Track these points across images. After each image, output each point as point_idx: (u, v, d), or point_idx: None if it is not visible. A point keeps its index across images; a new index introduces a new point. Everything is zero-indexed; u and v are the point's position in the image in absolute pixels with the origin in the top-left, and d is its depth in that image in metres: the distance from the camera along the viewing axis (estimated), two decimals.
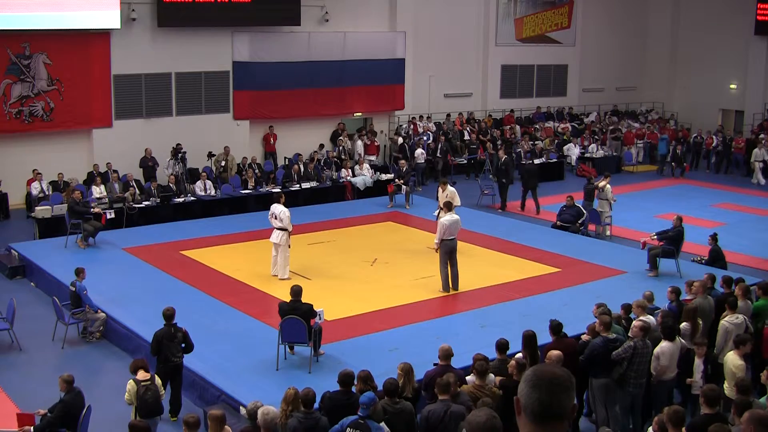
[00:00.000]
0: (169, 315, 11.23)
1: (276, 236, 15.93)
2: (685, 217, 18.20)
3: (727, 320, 11.44)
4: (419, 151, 27.12)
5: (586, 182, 22.27)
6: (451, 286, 15.64)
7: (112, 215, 18.95)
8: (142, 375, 10.03)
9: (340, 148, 27.27)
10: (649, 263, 16.94)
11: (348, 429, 8.28)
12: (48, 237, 19.13)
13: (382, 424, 8.47)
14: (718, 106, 36.59)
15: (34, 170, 22.01)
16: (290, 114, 27.18)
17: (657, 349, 10.50)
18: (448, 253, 15.48)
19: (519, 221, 21.73)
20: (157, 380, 10.28)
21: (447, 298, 15.44)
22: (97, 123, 23.84)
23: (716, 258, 17.11)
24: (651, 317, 11.47)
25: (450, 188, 18.40)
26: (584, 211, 20.58)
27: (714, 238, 17.15)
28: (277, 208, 15.92)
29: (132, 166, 22.77)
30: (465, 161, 29.02)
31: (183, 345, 11.26)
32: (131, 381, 10.03)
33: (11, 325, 13.68)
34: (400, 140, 28.15)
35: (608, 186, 20.86)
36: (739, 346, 10.27)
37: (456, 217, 15.66)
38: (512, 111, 33.64)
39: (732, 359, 10.18)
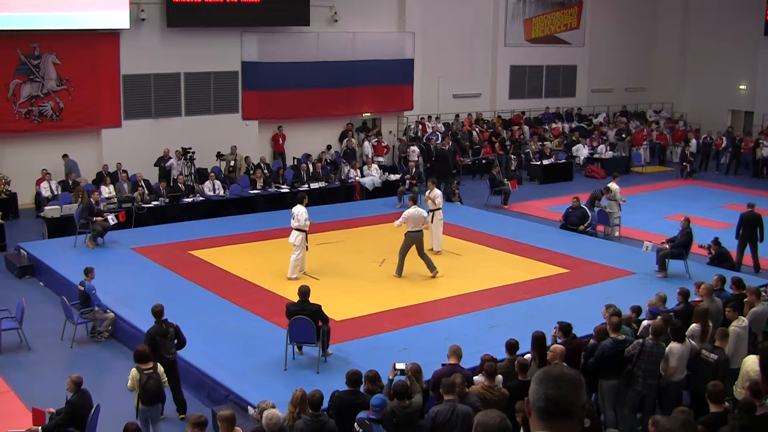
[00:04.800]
0: (158, 311, 11.28)
1: (291, 237, 16.19)
2: (693, 218, 18.15)
3: (735, 325, 11.35)
4: (412, 148, 27.16)
5: (601, 189, 21.77)
6: (429, 271, 16.45)
7: (115, 220, 18.94)
8: (144, 364, 10.17)
9: (348, 148, 27.29)
10: (658, 264, 16.89)
11: (356, 423, 8.45)
12: (57, 237, 19.18)
13: None
14: (728, 107, 36.48)
15: (43, 170, 22.08)
16: (299, 114, 27.20)
17: (666, 350, 10.46)
18: (413, 244, 16.38)
19: (527, 221, 21.69)
20: (160, 368, 10.39)
21: (455, 298, 15.41)
22: (106, 123, 23.91)
23: (723, 260, 17.05)
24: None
25: (436, 190, 18.50)
26: (589, 214, 20.47)
27: (716, 242, 17.16)
28: (297, 209, 16.16)
29: (141, 166, 22.78)
30: (470, 162, 28.98)
31: (176, 341, 11.29)
32: (134, 369, 10.18)
33: (20, 325, 13.71)
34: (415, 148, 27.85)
35: (616, 187, 20.79)
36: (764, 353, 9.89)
37: (421, 210, 16.60)
38: (523, 112, 33.59)
39: (752, 363, 9.88)
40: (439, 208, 18.29)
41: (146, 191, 21.60)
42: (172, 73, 24.87)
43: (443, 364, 9.99)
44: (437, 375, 9.79)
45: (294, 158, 26.75)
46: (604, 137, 31.92)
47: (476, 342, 12.23)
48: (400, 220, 16.59)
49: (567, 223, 20.48)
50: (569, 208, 20.70)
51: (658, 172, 30.62)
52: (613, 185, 20.86)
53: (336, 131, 28.34)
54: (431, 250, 18.05)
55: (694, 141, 30.73)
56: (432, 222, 17.99)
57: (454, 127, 30.57)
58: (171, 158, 23.72)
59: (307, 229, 16.16)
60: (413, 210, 16.40)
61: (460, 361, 9.88)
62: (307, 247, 16.24)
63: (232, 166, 24.64)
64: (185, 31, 24.65)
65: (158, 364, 10.42)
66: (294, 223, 16.10)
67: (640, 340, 10.40)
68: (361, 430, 8.40)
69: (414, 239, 16.37)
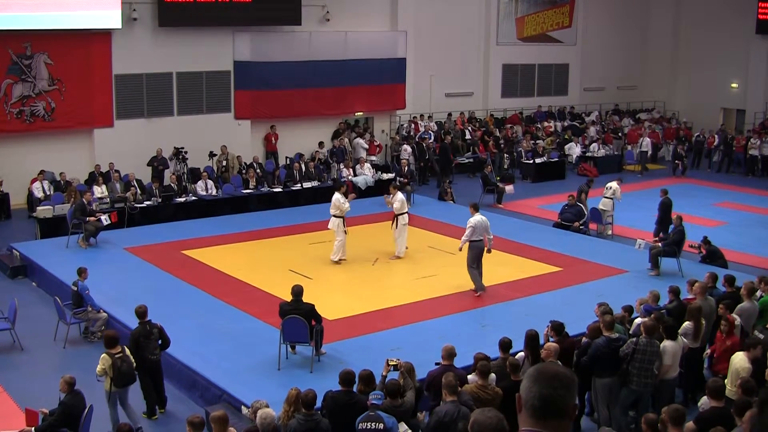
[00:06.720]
0: (141, 312, 11.34)
1: (330, 223, 17.24)
2: (686, 216, 18.18)
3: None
4: (404, 146, 27.19)
5: (586, 181, 22.25)
6: (474, 290, 15.40)
7: (108, 220, 18.87)
8: (114, 348, 10.46)
9: (337, 147, 27.29)
10: (651, 262, 16.93)
11: (360, 424, 8.37)
12: (49, 237, 19.14)
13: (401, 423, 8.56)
14: (720, 105, 36.58)
15: (40, 171, 21.96)
16: (291, 113, 27.18)
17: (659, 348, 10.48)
18: (478, 255, 15.28)
19: (520, 220, 21.72)
20: (127, 351, 10.66)
21: (448, 297, 15.41)
22: (98, 123, 23.85)
23: (714, 257, 17.11)
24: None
25: (399, 195, 17.93)
26: (585, 212, 20.55)
27: (705, 241, 17.23)
28: (333, 197, 17.25)
29: (133, 166, 22.75)
30: (465, 160, 29.03)
31: (159, 342, 11.33)
32: (105, 355, 10.45)
33: (13, 325, 13.68)
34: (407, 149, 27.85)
35: (617, 187, 20.86)
36: (750, 349, 9.96)
37: (483, 217, 15.35)
38: (520, 112, 33.67)
39: (740, 360, 9.88)
40: (403, 213, 17.73)
41: (139, 191, 21.57)
42: (164, 72, 24.83)
43: (437, 363, 9.98)
44: (431, 375, 9.80)
45: (286, 157, 26.74)
46: (593, 135, 32.01)
47: (469, 341, 12.23)
48: (467, 232, 15.19)
49: (561, 220, 20.55)
50: (566, 205, 20.80)
51: (650, 170, 30.64)
52: (614, 184, 20.94)
53: (328, 130, 28.32)
54: (397, 256, 17.84)
55: (647, 140, 30.71)
56: (396, 227, 17.60)
57: (446, 126, 30.56)
58: (168, 157, 23.77)
59: (346, 206, 17.18)
60: (478, 218, 15.31)
61: (453, 361, 9.87)
62: (345, 231, 17.16)
63: (224, 165, 24.61)
64: (177, 30, 24.60)
65: (125, 347, 10.70)
66: (332, 210, 17.11)
67: (634, 339, 10.40)
68: (370, 423, 8.36)
69: (478, 249, 15.25)
